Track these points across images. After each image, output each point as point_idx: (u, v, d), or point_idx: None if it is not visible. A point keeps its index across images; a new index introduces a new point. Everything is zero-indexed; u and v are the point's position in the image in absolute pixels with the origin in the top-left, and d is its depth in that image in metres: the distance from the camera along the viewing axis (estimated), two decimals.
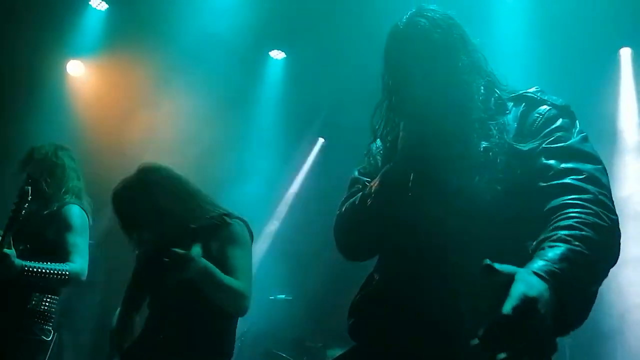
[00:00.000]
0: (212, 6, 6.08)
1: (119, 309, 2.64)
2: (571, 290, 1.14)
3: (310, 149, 7.74)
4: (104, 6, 6.44)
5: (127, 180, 2.56)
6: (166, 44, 6.30)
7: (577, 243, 1.20)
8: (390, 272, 1.56)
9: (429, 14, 1.55)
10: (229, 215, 2.51)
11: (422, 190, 1.48)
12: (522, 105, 1.54)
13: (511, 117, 1.53)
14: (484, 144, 1.47)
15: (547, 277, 1.12)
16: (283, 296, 5.99)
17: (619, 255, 1.30)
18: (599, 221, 1.26)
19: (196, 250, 2.18)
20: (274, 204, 7.61)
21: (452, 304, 1.33)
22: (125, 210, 2.50)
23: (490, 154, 1.46)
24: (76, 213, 3.08)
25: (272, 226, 7.55)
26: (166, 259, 2.13)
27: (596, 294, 1.28)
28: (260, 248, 7.23)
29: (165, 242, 2.28)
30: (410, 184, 1.49)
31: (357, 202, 1.59)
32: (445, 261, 1.41)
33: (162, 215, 2.45)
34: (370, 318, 1.55)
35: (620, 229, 1.32)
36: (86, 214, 3.15)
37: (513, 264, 1.33)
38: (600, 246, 1.23)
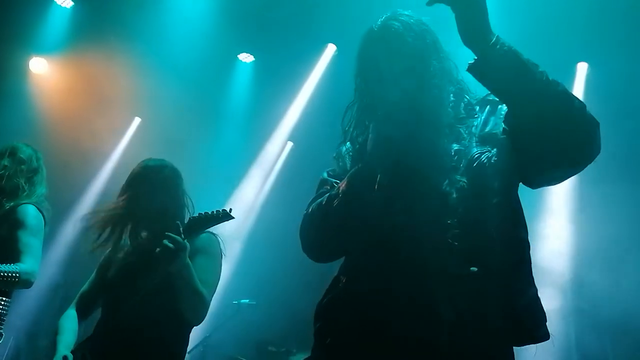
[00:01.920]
0: (180, 8, 6.04)
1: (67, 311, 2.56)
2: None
3: (279, 153, 7.72)
4: (69, 3, 6.31)
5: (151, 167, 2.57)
6: (132, 43, 6.22)
7: None
8: (357, 274, 1.55)
9: (403, 19, 1.58)
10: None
11: (390, 191, 1.49)
12: (487, 108, 1.58)
13: (479, 121, 1.57)
14: (454, 147, 1.50)
15: None
16: (247, 300, 5.96)
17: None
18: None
19: (187, 244, 2.21)
20: (241, 208, 7.56)
21: (424, 302, 1.37)
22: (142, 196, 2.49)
23: (459, 157, 1.49)
24: (32, 213, 2.99)
25: (239, 229, 7.50)
26: (165, 243, 2.16)
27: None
28: (226, 250, 7.18)
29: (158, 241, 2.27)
30: (377, 185, 1.49)
31: (324, 203, 1.59)
32: (413, 261, 1.42)
33: (162, 213, 2.46)
34: (338, 320, 1.53)
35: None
36: (43, 217, 3.06)
37: (483, 261, 1.37)
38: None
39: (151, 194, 2.49)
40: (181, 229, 2.23)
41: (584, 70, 5.96)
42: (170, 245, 2.17)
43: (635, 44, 5.37)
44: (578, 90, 5.85)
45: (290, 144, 7.73)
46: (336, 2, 5.68)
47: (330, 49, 6.69)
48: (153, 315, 2.33)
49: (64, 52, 6.43)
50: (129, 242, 2.56)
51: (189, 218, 2.38)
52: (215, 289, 2.46)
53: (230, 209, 2.33)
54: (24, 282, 2.81)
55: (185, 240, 2.22)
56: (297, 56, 6.59)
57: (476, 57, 1.39)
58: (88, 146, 6.27)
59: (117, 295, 2.43)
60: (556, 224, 6.00)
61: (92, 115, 6.52)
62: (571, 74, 5.96)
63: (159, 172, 2.56)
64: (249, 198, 7.64)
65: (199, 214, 2.36)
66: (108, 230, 2.49)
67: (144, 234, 2.54)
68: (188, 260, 2.24)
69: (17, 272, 2.77)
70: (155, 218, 2.48)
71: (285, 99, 7.08)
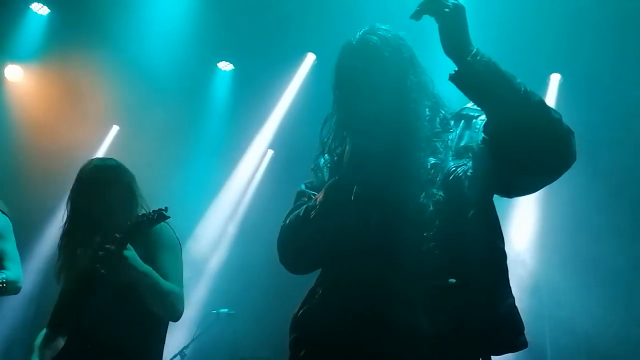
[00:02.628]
0: (159, 15, 5.99)
1: (44, 330, 2.49)
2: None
3: (260, 161, 7.71)
4: (46, 10, 6.24)
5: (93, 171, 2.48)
6: (110, 51, 6.17)
7: None
8: (333, 286, 1.56)
9: (380, 33, 1.60)
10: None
11: (366, 204, 1.50)
12: (462, 123, 1.61)
13: (454, 135, 1.60)
14: (431, 161, 1.53)
15: None
16: (226, 310, 5.92)
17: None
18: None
19: (131, 253, 2.15)
20: (221, 216, 7.52)
21: (402, 314, 1.38)
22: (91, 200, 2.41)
23: (436, 170, 1.51)
24: None
25: (219, 238, 7.46)
26: (101, 254, 2.10)
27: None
28: (206, 260, 7.15)
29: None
30: (353, 197, 1.51)
31: (301, 214, 1.59)
32: (390, 274, 1.43)
33: (110, 215, 2.39)
34: (313, 332, 1.54)
35: None
36: (6, 217, 2.96)
37: (461, 273, 1.39)
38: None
39: (97, 197, 2.41)
40: (119, 236, 2.17)
41: (557, 81, 6.12)
42: (109, 257, 2.11)
43: (605, 56, 5.52)
44: (551, 100, 6.00)
45: (270, 152, 7.73)
46: (316, 11, 5.73)
47: (310, 58, 6.74)
48: (122, 323, 2.29)
49: (41, 59, 6.35)
50: (85, 250, 2.47)
51: (127, 224, 2.24)
52: (182, 278, 2.41)
53: (166, 208, 2.23)
54: (13, 290, 2.75)
55: (128, 248, 2.14)
56: (277, 65, 6.61)
57: (457, 68, 1.43)
58: (65, 155, 6.18)
59: (81, 305, 2.37)
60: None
61: (69, 123, 6.44)
62: (544, 84, 6.10)
63: (104, 175, 2.47)
64: (230, 206, 7.60)
65: (135, 217, 2.27)
66: (61, 243, 2.45)
67: (97, 238, 2.44)
68: (140, 265, 2.18)
69: (4, 280, 2.72)
70: (105, 222, 2.40)
71: (265, 107, 7.08)
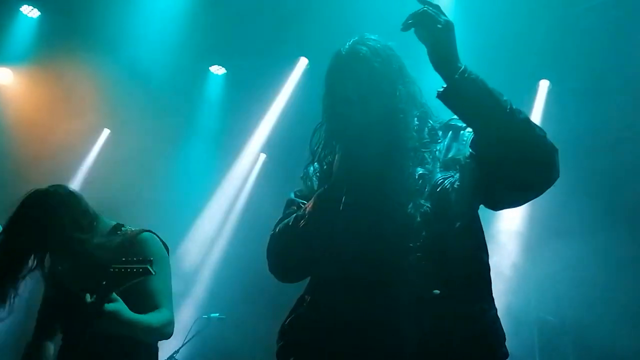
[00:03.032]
0: (151, 18, 5.98)
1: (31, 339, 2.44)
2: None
3: (252, 165, 7.70)
4: (36, 13, 6.22)
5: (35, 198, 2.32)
6: (101, 55, 6.15)
7: None
8: (321, 295, 1.57)
9: (370, 43, 1.62)
10: (135, 232, 2.34)
11: (355, 213, 1.52)
12: (450, 133, 1.63)
13: (442, 145, 1.62)
14: (419, 171, 1.54)
15: None
16: (217, 315, 5.90)
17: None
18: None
19: (114, 307, 1.93)
20: (214, 222, 7.49)
21: (388, 323, 1.40)
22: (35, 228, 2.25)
23: (424, 181, 1.53)
24: None
25: (212, 243, 7.43)
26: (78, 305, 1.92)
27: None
28: (199, 265, 7.12)
29: (77, 276, 2.10)
30: (342, 206, 1.52)
31: (290, 223, 1.61)
32: (377, 284, 1.45)
33: (69, 241, 2.24)
34: (300, 341, 1.55)
35: None
36: None
37: (446, 284, 1.40)
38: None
39: (43, 230, 2.25)
40: (99, 292, 1.95)
41: (545, 87, 6.18)
42: (90, 314, 1.91)
43: (594, 63, 5.59)
44: (537, 108, 6.09)
45: (263, 156, 7.72)
46: (308, 16, 5.74)
47: (303, 62, 6.75)
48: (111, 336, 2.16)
49: (31, 62, 6.31)
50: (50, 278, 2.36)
51: (108, 272, 1.99)
52: (171, 291, 2.33)
53: (151, 261, 2.03)
54: None
55: (112, 300, 1.94)
56: (269, 69, 6.62)
57: (445, 84, 1.45)
58: (55, 159, 6.14)
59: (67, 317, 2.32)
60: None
61: (59, 127, 6.40)
62: (533, 90, 6.17)
63: (38, 210, 2.29)
64: (222, 210, 7.58)
65: (117, 267, 2.01)
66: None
67: (59, 267, 2.35)
68: (127, 318, 1.97)
69: None
70: (57, 250, 2.30)
71: (258, 111, 7.09)
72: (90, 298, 1.92)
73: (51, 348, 2.44)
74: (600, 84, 5.73)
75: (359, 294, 1.46)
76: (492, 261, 1.60)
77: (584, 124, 5.68)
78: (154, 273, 2.02)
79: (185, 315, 6.05)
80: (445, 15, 1.46)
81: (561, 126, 5.57)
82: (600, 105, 5.75)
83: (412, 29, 1.46)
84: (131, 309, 2.01)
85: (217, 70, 7.04)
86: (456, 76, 1.42)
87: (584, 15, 5.35)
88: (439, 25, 1.43)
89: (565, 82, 5.99)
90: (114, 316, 1.92)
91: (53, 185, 2.38)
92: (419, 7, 1.46)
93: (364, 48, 1.60)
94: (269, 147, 7.35)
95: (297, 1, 5.74)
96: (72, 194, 2.38)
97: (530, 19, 5.37)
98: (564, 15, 5.38)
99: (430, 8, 1.45)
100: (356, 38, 1.65)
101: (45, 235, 2.26)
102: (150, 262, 2.03)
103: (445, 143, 1.62)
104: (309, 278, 1.67)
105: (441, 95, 1.46)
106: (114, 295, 1.95)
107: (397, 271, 1.43)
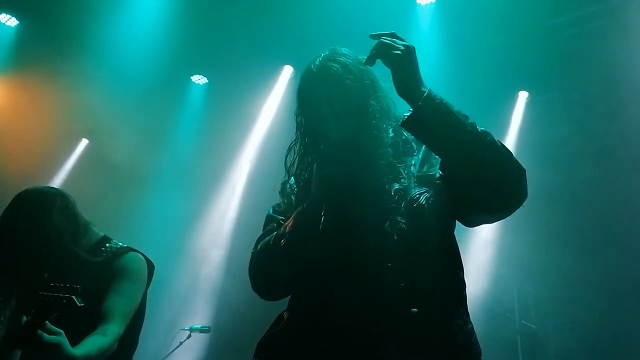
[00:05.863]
0: (131, 27, 5.94)
1: None
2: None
3: (238, 176, 7.64)
4: (14, 22, 6.15)
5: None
6: (81, 64, 6.09)
7: None
8: (300, 313, 1.57)
9: (341, 59, 1.62)
10: (120, 251, 2.28)
11: (334, 232, 1.51)
12: (424, 146, 1.62)
13: (417, 159, 1.62)
14: (395, 187, 1.54)
15: None
16: (199, 326, 5.83)
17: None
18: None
19: (52, 340, 1.76)
20: (200, 233, 7.41)
21: (367, 346, 1.40)
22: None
23: (399, 197, 1.52)
24: None
25: (194, 256, 7.33)
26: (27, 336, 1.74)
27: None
28: (186, 276, 7.04)
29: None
30: (321, 226, 1.51)
31: (271, 242, 1.60)
32: (355, 303, 1.44)
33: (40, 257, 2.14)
34: (278, 354, 1.54)
35: None
36: None
37: (422, 302, 1.40)
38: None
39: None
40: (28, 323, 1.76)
41: (524, 98, 6.27)
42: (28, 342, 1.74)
43: (573, 73, 5.68)
44: (516, 119, 6.17)
45: (247, 165, 7.67)
46: (291, 24, 5.75)
47: (287, 71, 6.74)
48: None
49: (9, 71, 6.25)
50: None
51: (39, 299, 1.79)
52: (129, 317, 2.18)
53: (78, 288, 1.79)
54: None
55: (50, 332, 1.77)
56: (253, 78, 6.61)
57: (410, 111, 1.45)
58: (32, 169, 6.05)
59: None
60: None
61: (37, 136, 6.32)
62: (512, 101, 6.25)
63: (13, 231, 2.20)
64: (209, 222, 7.48)
65: (44, 294, 1.80)
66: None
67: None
68: (65, 352, 1.79)
69: None
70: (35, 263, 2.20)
71: (242, 121, 7.05)
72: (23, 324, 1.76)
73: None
74: (578, 95, 5.83)
75: (337, 311, 1.46)
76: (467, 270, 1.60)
77: (562, 134, 5.76)
78: (79, 304, 1.78)
79: (166, 327, 5.97)
80: (403, 40, 1.47)
81: (540, 136, 5.64)
82: (579, 116, 5.84)
83: (378, 60, 1.47)
84: (83, 324, 1.96)
85: (199, 80, 7.00)
86: (420, 103, 1.43)
87: (562, 26, 5.43)
88: (398, 52, 1.44)
89: (544, 93, 6.08)
90: (53, 350, 1.76)
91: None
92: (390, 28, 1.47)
93: (336, 65, 1.60)
94: (254, 156, 7.31)
95: (281, 9, 5.73)
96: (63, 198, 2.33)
97: (508, 31, 5.44)
98: (543, 27, 5.46)
99: (386, 38, 1.47)
100: (327, 53, 1.65)
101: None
102: (77, 292, 1.79)
103: (420, 155, 1.62)
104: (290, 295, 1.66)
105: (405, 124, 1.47)
106: (51, 326, 1.78)
107: (375, 291, 1.43)
